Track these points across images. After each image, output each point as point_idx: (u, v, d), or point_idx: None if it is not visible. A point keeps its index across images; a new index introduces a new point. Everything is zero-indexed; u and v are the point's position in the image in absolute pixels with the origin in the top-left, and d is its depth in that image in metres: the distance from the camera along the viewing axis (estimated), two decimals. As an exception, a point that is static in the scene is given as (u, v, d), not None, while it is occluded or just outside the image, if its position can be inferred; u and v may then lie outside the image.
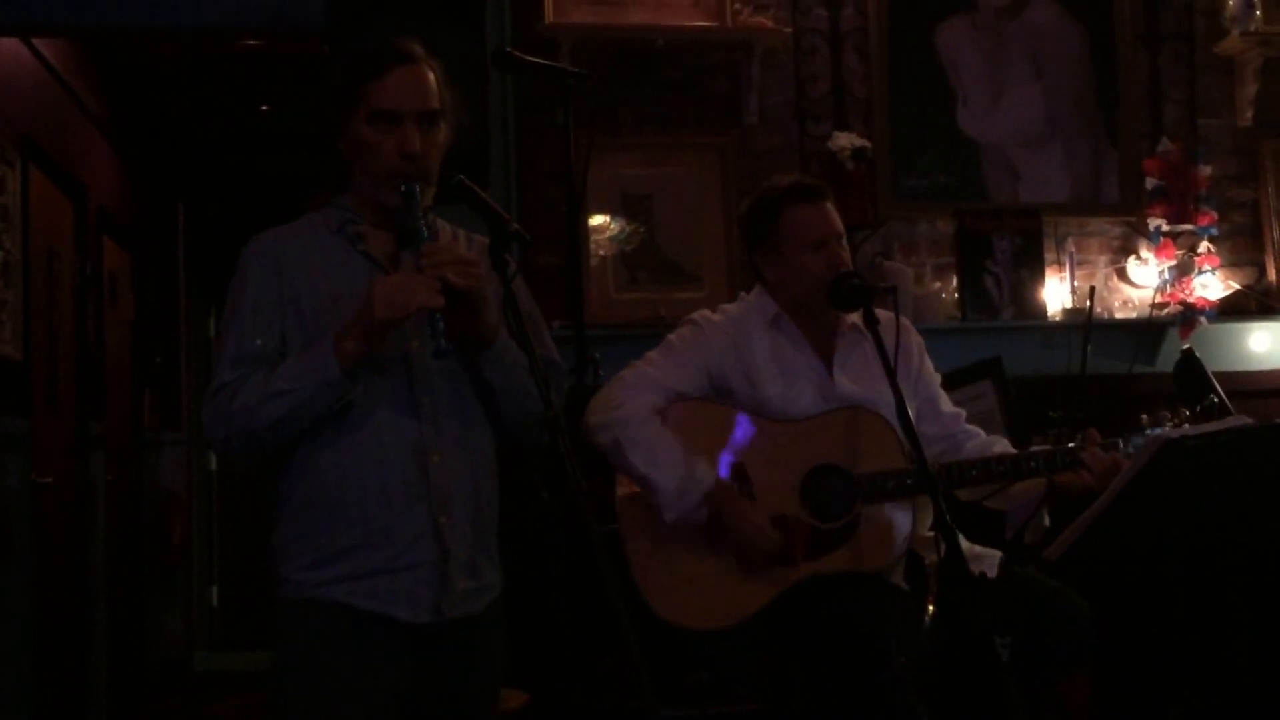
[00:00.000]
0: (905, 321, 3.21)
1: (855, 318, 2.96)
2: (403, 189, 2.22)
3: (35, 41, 5.04)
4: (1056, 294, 4.58)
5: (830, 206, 3.08)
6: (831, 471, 2.98)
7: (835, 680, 2.85)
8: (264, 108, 6.87)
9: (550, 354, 2.45)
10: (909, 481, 2.90)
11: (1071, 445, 2.96)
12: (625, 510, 3.04)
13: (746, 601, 2.94)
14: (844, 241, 3.07)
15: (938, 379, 3.24)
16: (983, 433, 3.19)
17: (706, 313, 3.20)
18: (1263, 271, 4.75)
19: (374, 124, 2.25)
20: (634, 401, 3.02)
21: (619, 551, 2.99)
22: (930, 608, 2.94)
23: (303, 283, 2.27)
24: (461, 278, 2.17)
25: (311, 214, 2.37)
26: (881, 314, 2.90)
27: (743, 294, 3.26)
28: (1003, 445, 3.13)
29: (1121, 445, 2.93)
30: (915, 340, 3.21)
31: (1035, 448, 3.16)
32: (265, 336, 2.25)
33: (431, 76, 2.30)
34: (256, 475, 2.36)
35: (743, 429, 3.04)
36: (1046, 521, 3.13)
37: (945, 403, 3.22)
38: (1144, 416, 2.98)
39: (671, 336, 3.16)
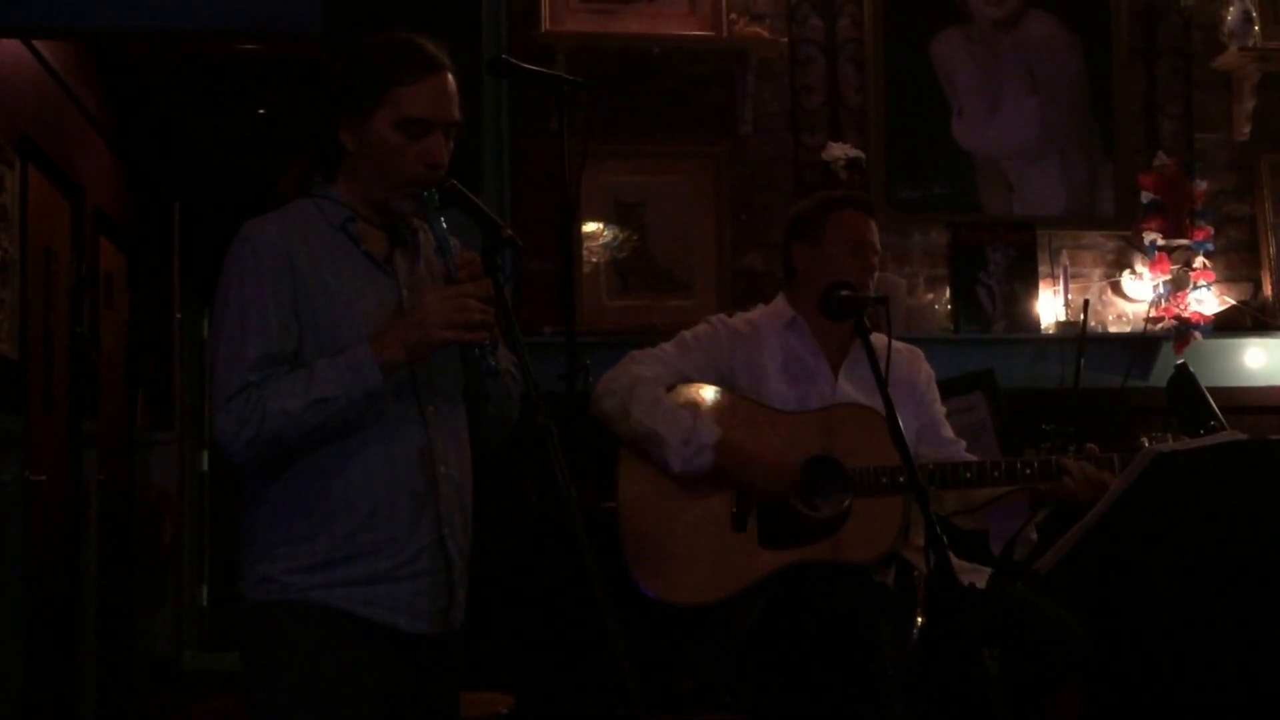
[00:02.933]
0: (918, 351, 3.37)
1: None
2: (425, 196, 2.22)
3: (35, 43, 5.07)
4: (1050, 307, 4.57)
5: (874, 224, 3.24)
6: (826, 463, 3.05)
7: (824, 671, 2.88)
8: (260, 111, 6.89)
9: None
10: (902, 479, 2.95)
11: (1054, 458, 3.00)
12: (621, 487, 3.10)
13: (732, 581, 3.01)
14: (880, 259, 3.24)
15: (943, 410, 3.35)
16: (977, 459, 3.23)
17: (724, 315, 3.35)
18: (1259, 287, 4.74)
19: (402, 129, 2.22)
20: (640, 369, 3.14)
21: (613, 530, 3.06)
22: (919, 618, 2.95)
23: (315, 281, 2.23)
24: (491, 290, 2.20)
25: (300, 200, 2.31)
26: (889, 333, 2.95)
27: (760, 305, 3.37)
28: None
29: (1116, 462, 2.95)
30: (925, 370, 3.33)
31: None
32: (286, 337, 2.19)
33: (454, 84, 2.29)
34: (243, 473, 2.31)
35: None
36: (1034, 535, 3.15)
37: (946, 430, 3.32)
38: (1144, 439, 3.00)
39: (685, 333, 3.29)
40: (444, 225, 2.22)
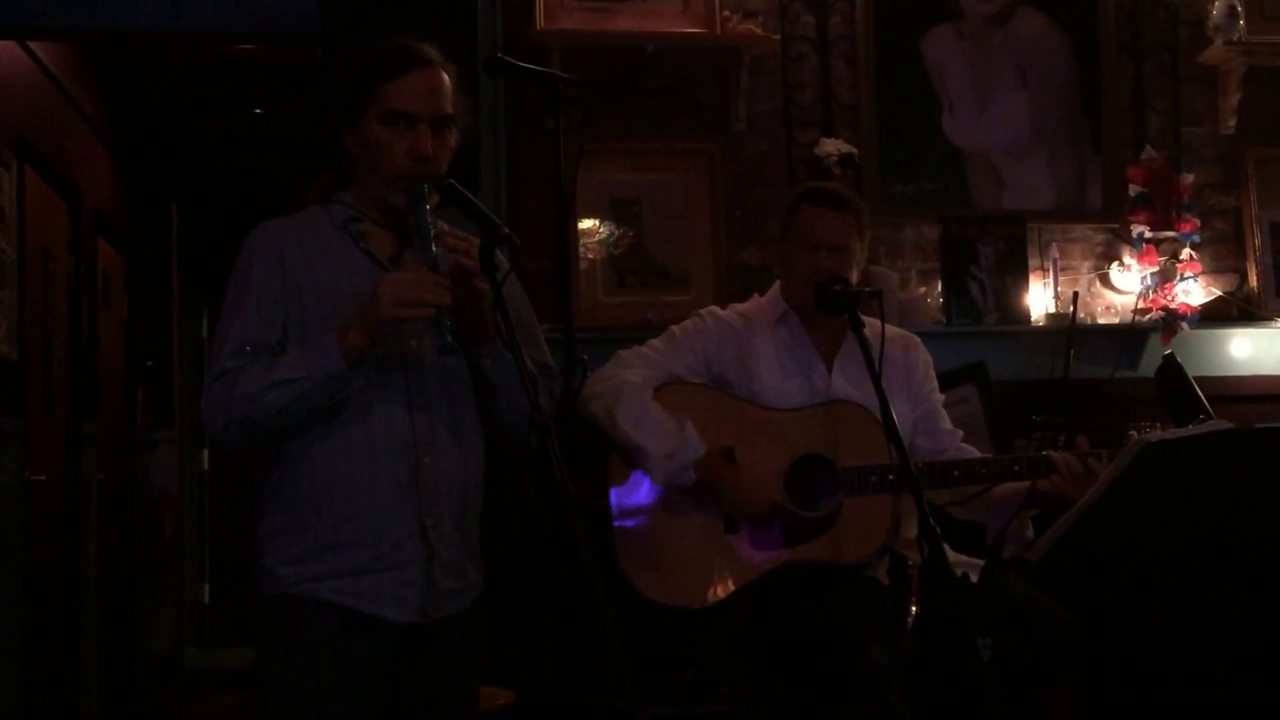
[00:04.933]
0: (915, 339, 3.34)
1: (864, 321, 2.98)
2: (410, 188, 2.25)
3: (31, 44, 5.07)
4: (1040, 299, 4.62)
5: (847, 219, 3.14)
6: (817, 462, 3.04)
7: (813, 670, 2.90)
8: (257, 111, 6.90)
9: (544, 357, 2.50)
10: (891, 477, 2.96)
11: (1046, 453, 3.01)
12: (613, 488, 3.09)
13: (725, 582, 3.01)
14: (845, 256, 3.12)
15: (941, 399, 3.32)
16: (975, 451, 3.24)
17: (715, 308, 3.32)
18: (1244, 278, 4.80)
19: (387, 124, 2.28)
20: (628, 373, 3.11)
21: (605, 531, 3.06)
22: (913, 608, 2.98)
23: (305, 277, 2.29)
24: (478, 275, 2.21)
25: (314, 207, 2.38)
26: (882, 327, 2.95)
27: (756, 295, 3.36)
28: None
29: (1104, 458, 2.97)
30: (922, 358, 3.30)
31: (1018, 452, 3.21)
32: (267, 328, 2.26)
33: (447, 81, 2.33)
34: (247, 468, 2.37)
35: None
36: (1030, 533, 3.16)
37: (944, 420, 3.29)
38: (1132, 433, 3.02)
39: (675, 327, 3.27)
40: (428, 215, 2.25)
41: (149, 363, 7.35)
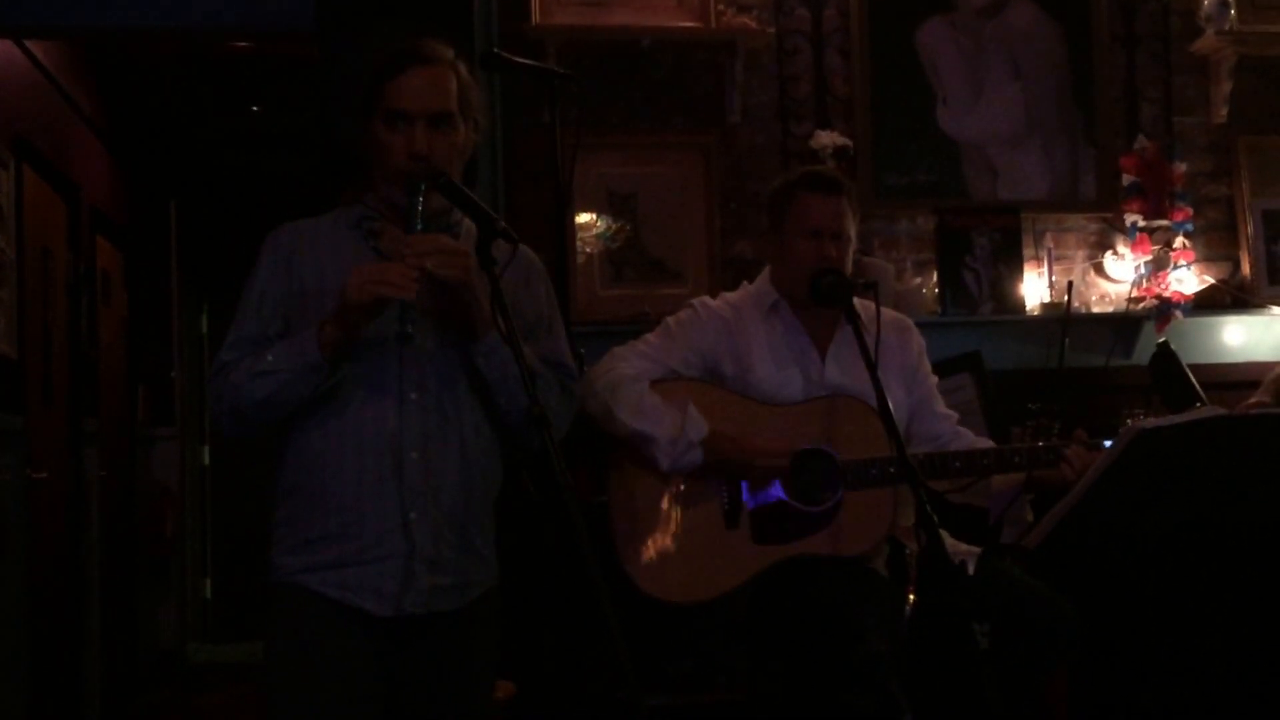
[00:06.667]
0: (908, 322, 3.30)
1: (859, 309, 2.97)
2: (407, 185, 2.26)
3: (28, 43, 5.09)
4: (1035, 289, 4.64)
5: (843, 204, 3.10)
6: (816, 456, 3.03)
7: (812, 660, 2.91)
8: (255, 108, 6.91)
9: (560, 357, 2.47)
10: (891, 470, 2.95)
11: (1045, 444, 3.01)
12: (613, 485, 3.09)
13: (726, 578, 3.00)
14: (845, 242, 3.10)
15: (935, 381, 3.30)
16: (971, 434, 3.24)
17: (706, 299, 3.28)
18: (1237, 266, 4.83)
19: (387, 122, 2.30)
20: (624, 367, 3.09)
21: (606, 527, 3.04)
22: (911, 596, 3.00)
23: (311, 274, 2.32)
24: (446, 268, 2.19)
25: (341, 208, 2.42)
26: (878, 312, 2.95)
27: (745, 282, 3.32)
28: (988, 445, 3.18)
29: (1105, 445, 2.98)
30: (916, 341, 3.27)
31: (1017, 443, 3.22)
32: (268, 322, 2.31)
33: (452, 78, 2.34)
34: (248, 464, 2.41)
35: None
36: (1030, 517, 3.17)
37: (939, 404, 3.27)
38: (1127, 419, 3.03)
39: (669, 319, 3.23)
40: (419, 208, 2.25)
41: (169, 370, 7.39)
